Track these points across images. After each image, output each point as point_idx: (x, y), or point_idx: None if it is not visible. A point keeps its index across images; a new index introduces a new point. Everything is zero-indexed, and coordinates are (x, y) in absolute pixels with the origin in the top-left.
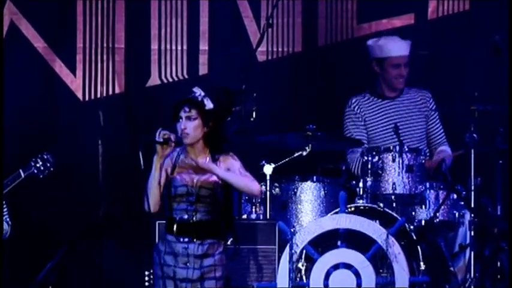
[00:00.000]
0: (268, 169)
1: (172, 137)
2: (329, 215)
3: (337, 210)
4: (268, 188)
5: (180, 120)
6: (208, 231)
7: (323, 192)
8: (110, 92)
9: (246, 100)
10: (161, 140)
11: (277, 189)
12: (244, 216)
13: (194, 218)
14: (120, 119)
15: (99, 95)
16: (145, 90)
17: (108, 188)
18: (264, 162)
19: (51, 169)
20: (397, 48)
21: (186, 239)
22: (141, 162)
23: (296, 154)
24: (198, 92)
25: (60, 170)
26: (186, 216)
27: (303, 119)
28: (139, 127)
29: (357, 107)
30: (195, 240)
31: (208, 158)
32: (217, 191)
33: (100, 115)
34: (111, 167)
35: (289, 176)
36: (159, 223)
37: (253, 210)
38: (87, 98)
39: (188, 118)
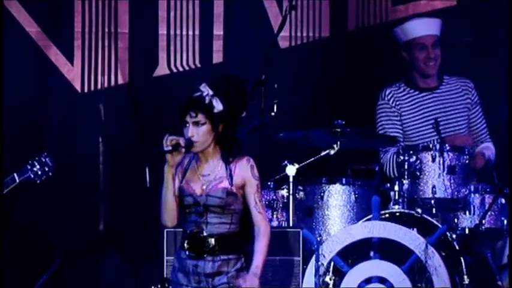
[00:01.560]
0: (291, 170)
1: (182, 141)
2: (360, 222)
3: (369, 216)
4: (291, 192)
5: (187, 125)
6: (221, 246)
7: (353, 196)
8: (112, 83)
9: (266, 92)
10: (169, 148)
11: (301, 193)
12: None
13: (204, 232)
14: (124, 114)
15: (99, 86)
16: (152, 81)
17: (110, 193)
18: (286, 162)
19: (50, 174)
20: (421, 27)
21: (197, 256)
22: (147, 178)
23: (323, 153)
24: (206, 91)
25: (56, 173)
26: (195, 230)
27: (331, 113)
28: (145, 123)
29: (391, 100)
30: (205, 256)
31: (220, 164)
32: (229, 199)
33: (101, 109)
34: (113, 169)
35: (315, 178)
36: (167, 231)
37: (274, 216)
38: (86, 90)
39: (195, 124)
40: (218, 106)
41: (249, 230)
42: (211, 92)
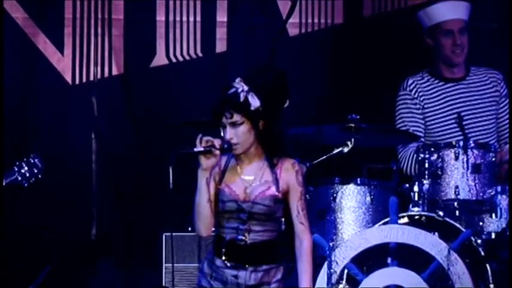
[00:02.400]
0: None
1: (217, 142)
2: (376, 226)
3: (386, 219)
4: None
5: (224, 127)
6: (264, 255)
7: (369, 197)
8: (106, 74)
9: None
10: (201, 149)
11: (312, 194)
12: None
13: (247, 240)
14: (119, 108)
15: (92, 78)
16: (149, 72)
17: (104, 195)
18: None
19: (39, 176)
20: (447, 10)
21: (237, 265)
22: (171, 180)
23: (336, 151)
24: (240, 87)
25: (45, 173)
26: (237, 237)
27: (344, 107)
28: (142, 118)
29: (414, 90)
30: (247, 266)
31: (264, 166)
32: (276, 207)
33: (93, 103)
34: (107, 169)
35: (327, 178)
36: (165, 236)
37: (283, 219)
38: (77, 82)
39: (233, 125)
40: (255, 102)
41: (288, 236)
42: (246, 88)
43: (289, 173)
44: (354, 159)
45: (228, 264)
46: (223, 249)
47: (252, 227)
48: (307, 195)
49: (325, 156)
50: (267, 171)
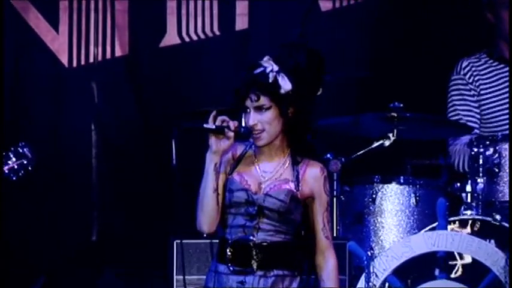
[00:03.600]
0: (335, 166)
1: (232, 124)
2: (422, 231)
3: (434, 225)
4: (335, 194)
5: (248, 111)
6: (276, 257)
7: (414, 199)
8: (108, 55)
9: None
10: (213, 126)
11: (348, 194)
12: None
13: (255, 239)
14: (123, 95)
15: (92, 60)
16: (158, 53)
17: (106, 194)
18: (329, 155)
19: (29, 168)
20: None
21: (244, 270)
22: (173, 155)
23: (375, 144)
24: (269, 66)
25: (37, 168)
26: (243, 236)
27: (385, 93)
28: (150, 105)
29: (468, 74)
30: (255, 269)
31: (286, 162)
32: (292, 205)
33: (94, 89)
34: (109, 164)
35: (365, 176)
36: (176, 243)
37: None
38: (74, 64)
39: (258, 109)
40: (286, 85)
41: (308, 246)
42: (276, 67)
43: (317, 179)
44: (397, 154)
45: (233, 269)
46: (228, 252)
47: (262, 225)
48: (341, 196)
49: (362, 151)
50: (289, 169)
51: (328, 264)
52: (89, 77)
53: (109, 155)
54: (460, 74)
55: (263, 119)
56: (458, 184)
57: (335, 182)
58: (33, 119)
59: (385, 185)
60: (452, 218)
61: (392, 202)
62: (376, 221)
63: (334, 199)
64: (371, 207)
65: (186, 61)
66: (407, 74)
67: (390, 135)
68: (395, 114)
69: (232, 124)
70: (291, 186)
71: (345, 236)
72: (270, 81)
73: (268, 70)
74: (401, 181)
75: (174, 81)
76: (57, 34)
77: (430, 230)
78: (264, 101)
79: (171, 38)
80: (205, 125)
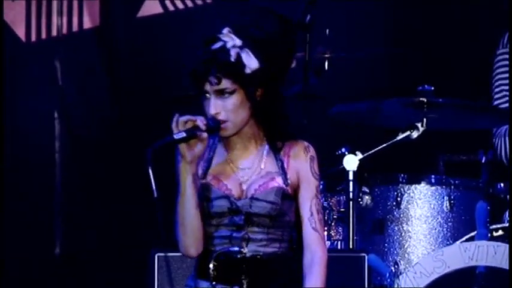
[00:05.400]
0: (351, 162)
1: (201, 122)
2: (458, 242)
3: (472, 234)
4: (352, 196)
5: (207, 96)
6: (271, 273)
7: (448, 202)
8: (75, 27)
9: (312, 42)
10: (183, 134)
11: (367, 197)
12: None
13: (245, 252)
14: (94, 75)
15: (55, 32)
16: (136, 24)
17: (71, 197)
18: (344, 149)
19: None
20: None
21: (230, 287)
22: (153, 186)
23: (400, 136)
24: (230, 40)
25: None
26: (230, 249)
27: (411, 75)
28: (127, 89)
29: None
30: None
31: (265, 152)
32: (285, 205)
33: (57, 68)
34: (77, 161)
35: (389, 175)
36: (158, 256)
37: (325, 232)
38: (33, 38)
39: (220, 93)
40: (251, 63)
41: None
42: (238, 42)
43: (301, 160)
44: (427, 148)
45: (218, 287)
46: (211, 266)
47: (252, 235)
48: (359, 199)
49: (385, 144)
50: (270, 159)
51: (314, 259)
52: (51, 53)
53: (76, 149)
54: (507, 48)
55: (227, 106)
56: (502, 185)
57: (351, 182)
58: None
59: (413, 186)
60: (494, 226)
61: (421, 206)
62: (401, 229)
63: (351, 203)
64: (395, 213)
65: (171, 34)
66: (439, 52)
67: (419, 125)
68: (425, 100)
69: (201, 122)
70: (279, 181)
71: (363, 247)
72: (233, 59)
73: (228, 45)
74: (433, 181)
75: (155, 58)
76: (11, 1)
77: (468, 240)
78: (226, 84)
79: (151, 7)
80: (175, 136)
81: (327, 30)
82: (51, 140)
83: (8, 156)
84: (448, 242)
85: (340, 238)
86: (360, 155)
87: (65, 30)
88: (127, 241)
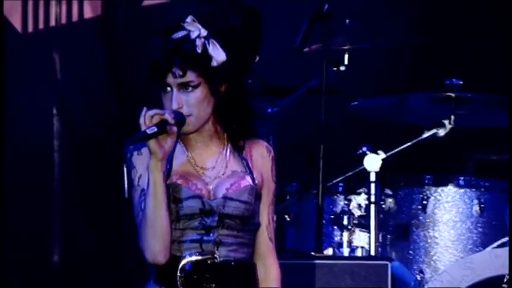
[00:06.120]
0: (373, 162)
1: (169, 116)
2: (489, 248)
3: (504, 239)
4: (373, 199)
5: (168, 90)
6: (241, 281)
7: (477, 206)
8: (75, 17)
9: (331, 32)
10: (154, 129)
11: (390, 200)
12: (328, 251)
13: (216, 258)
14: (95, 68)
15: (53, 22)
16: (141, 13)
17: (71, 203)
18: (365, 149)
19: None
20: None
21: None
22: (125, 186)
23: (426, 134)
24: (195, 30)
25: None
26: (200, 256)
27: (438, 68)
28: (130, 82)
29: None
30: None
31: (227, 150)
32: (256, 206)
33: (55, 60)
34: (77, 163)
35: (414, 176)
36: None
37: (345, 239)
38: (30, 28)
39: (183, 87)
40: (218, 55)
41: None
42: (204, 32)
43: (264, 161)
44: (455, 147)
45: None
46: (179, 273)
47: (223, 239)
48: (382, 203)
49: (409, 143)
50: (234, 158)
51: (269, 276)
52: (49, 45)
53: (75, 148)
54: None
55: (190, 101)
56: None
57: (373, 184)
58: None
59: (440, 188)
60: None
61: (449, 210)
62: (427, 235)
63: (372, 206)
64: (420, 217)
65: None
66: (468, 42)
67: (446, 122)
68: (453, 95)
69: (169, 116)
70: (249, 180)
71: (386, 255)
72: (199, 50)
73: (194, 35)
74: (461, 183)
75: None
76: None
77: (499, 246)
78: (191, 76)
79: None
80: (148, 131)
81: (347, 20)
82: (50, 139)
83: (6, 155)
84: (477, 249)
85: (361, 244)
86: (382, 155)
87: (64, 20)
88: (129, 246)
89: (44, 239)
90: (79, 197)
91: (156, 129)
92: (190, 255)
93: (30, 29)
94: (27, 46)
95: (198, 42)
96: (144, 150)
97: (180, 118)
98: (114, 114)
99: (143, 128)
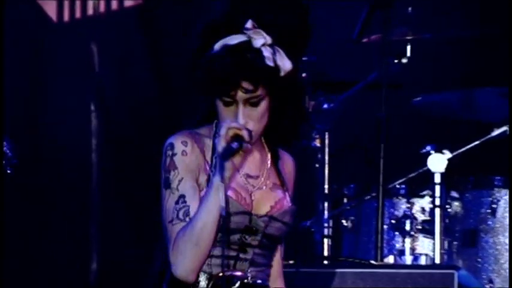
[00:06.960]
0: (438, 162)
1: (245, 132)
2: None
3: None
4: (438, 202)
5: (230, 101)
6: None
7: None
8: (114, 6)
9: (390, 23)
10: (236, 145)
11: (456, 203)
12: (389, 259)
13: (250, 277)
14: (136, 60)
15: (91, 11)
16: (181, 1)
17: (110, 205)
18: (429, 148)
19: (8, 172)
20: None
21: None
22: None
23: (496, 132)
24: (261, 38)
25: (19, 166)
26: (233, 274)
27: (508, 61)
28: (173, 75)
29: None
30: None
31: (269, 159)
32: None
33: (93, 52)
34: (116, 162)
35: (482, 178)
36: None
37: (407, 246)
38: (66, 18)
39: (250, 102)
40: (285, 64)
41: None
42: (269, 40)
43: (290, 178)
44: None
45: None
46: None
47: (256, 258)
48: (448, 207)
49: (477, 142)
50: (273, 169)
51: None
52: (86, 35)
53: (115, 147)
54: None
55: (254, 115)
56: None
57: (438, 186)
58: (13, 95)
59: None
60: None
61: None
62: (496, 241)
63: (437, 210)
64: (490, 222)
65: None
66: None
67: None
68: None
69: (245, 133)
70: (288, 199)
71: (452, 263)
72: (270, 63)
73: (258, 44)
74: None
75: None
76: None
77: None
78: (260, 91)
79: None
80: (233, 146)
81: (409, 8)
82: (88, 137)
83: (41, 155)
84: None
85: (425, 252)
86: (448, 154)
87: (102, 9)
88: None
89: (81, 247)
90: (120, 201)
91: (238, 146)
92: (221, 273)
93: (66, 18)
94: (63, 36)
95: (266, 53)
96: (190, 150)
97: (250, 135)
98: (154, 111)
99: (223, 141)
